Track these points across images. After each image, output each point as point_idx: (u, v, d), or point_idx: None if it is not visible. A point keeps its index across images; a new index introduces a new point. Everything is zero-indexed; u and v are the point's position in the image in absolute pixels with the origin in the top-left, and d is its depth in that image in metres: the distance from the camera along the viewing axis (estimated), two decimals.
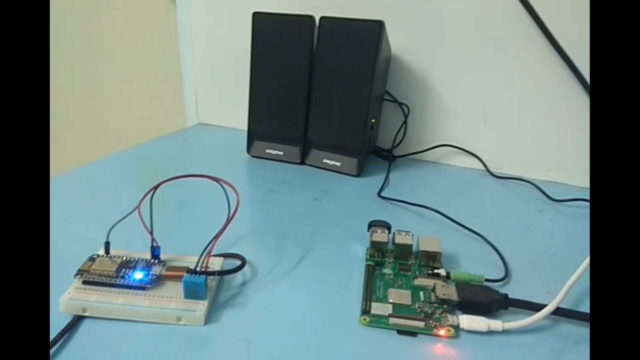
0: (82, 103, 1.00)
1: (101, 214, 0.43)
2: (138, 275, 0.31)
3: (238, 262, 0.34)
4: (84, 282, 0.31)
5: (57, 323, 0.28)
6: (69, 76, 0.98)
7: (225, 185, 0.33)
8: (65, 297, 0.29)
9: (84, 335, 0.28)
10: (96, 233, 0.34)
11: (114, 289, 0.30)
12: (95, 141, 1.02)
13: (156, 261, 0.33)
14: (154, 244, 0.33)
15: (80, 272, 0.31)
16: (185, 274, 0.31)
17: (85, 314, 0.29)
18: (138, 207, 0.31)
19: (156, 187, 0.32)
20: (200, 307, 0.30)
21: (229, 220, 0.32)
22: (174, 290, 0.31)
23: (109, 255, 0.33)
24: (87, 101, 0.99)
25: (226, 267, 0.34)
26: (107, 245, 0.33)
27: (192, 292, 0.30)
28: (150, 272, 0.32)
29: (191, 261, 0.33)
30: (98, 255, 0.33)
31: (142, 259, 0.33)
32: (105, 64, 0.93)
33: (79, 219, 0.42)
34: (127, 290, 0.30)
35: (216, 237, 0.32)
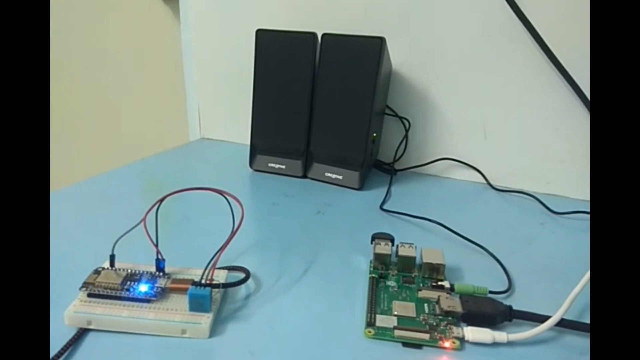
0: (86, 118, 1.01)
1: (106, 227, 0.43)
2: (143, 287, 0.31)
3: (242, 275, 0.34)
4: (89, 295, 0.31)
5: (62, 336, 0.28)
6: (72, 91, 0.99)
7: (229, 198, 0.33)
8: (70, 309, 0.30)
9: (88, 348, 0.28)
10: (101, 246, 0.34)
11: (119, 302, 0.30)
12: (98, 156, 1.02)
13: (161, 274, 0.33)
14: (159, 256, 0.33)
15: (85, 284, 0.31)
16: (190, 287, 0.31)
17: (90, 327, 0.29)
18: (144, 219, 0.32)
19: (162, 200, 0.32)
20: (205, 319, 0.30)
21: (233, 232, 0.32)
22: (179, 302, 0.31)
23: (114, 268, 0.33)
24: (91, 116, 1.00)
25: (230, 280, 0.34)
26: (112, 258, 0.33)
27: (197, 305, 0.30)
28: (155, 285, 0.32)
29: (195, 274, 0.33)
30: (103, 268, 0.33)
31: (147, 272, 0.33)
32: (109, 78, 0.95)
33: (84, 232, 0.42)
34: (132, 303, 0.30)
35: (221, 249, 0.32)
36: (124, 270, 0.33)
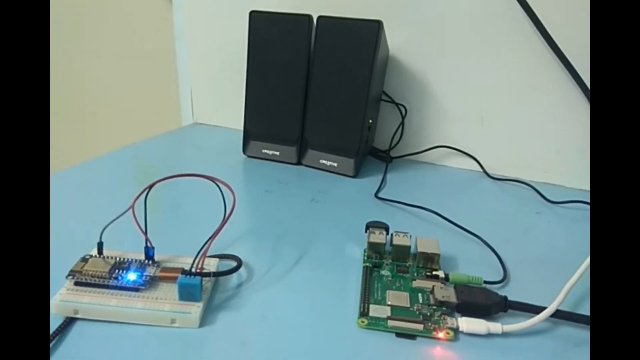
0: (77, 102, 0.99)
1: (94, 213, 0.42)
2: (132, 276, 0.31)
3: (234, 264, 0.34)
4: (76, 284, 0.30)
5: None
6: (63, 75, 0.97)
7: (221, 185, 0.32)
8: (57, 298, 0.29)
9: (75, 337, 0.28)
10: (89, 233, 0.33)
11: (106, 290, 0.30)
12: (89, 140, 1.01)
13: (150, 262, 0.32)
14: (148, 244, 0.32)
15: (72, 273, 0.30)
16: (180, 275, 0.30)
17: (77, 316, 0.29)
18: (132, 206, 0.31)
19: (151, 187, 0.32)
20: (195, 309, 0.29)
21: (225, 220, 0.32)
22: (169, 291, 0.30)
23: (102, 256, 0.32)
24: (82, 100, 0.98)
25: (222, 269, 0.33)
26: (100, 245, 0.32)
27: (187, 294, 0.29)
28: (144, 273, 0.31)
29: (186, 262, 0.32)
30: (91, 256, 0.32)
31: (136, 260, 0.32)
32: (101, 63, 0.93)
33: (72, 219, 0.41)
34: (120, 292, 0.30)
35: (212, 237, 0.31)
36: (112, 258, 0.32)
